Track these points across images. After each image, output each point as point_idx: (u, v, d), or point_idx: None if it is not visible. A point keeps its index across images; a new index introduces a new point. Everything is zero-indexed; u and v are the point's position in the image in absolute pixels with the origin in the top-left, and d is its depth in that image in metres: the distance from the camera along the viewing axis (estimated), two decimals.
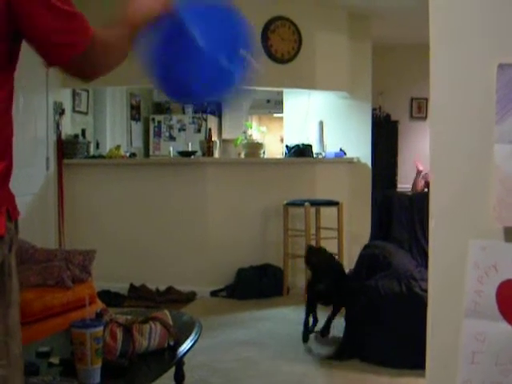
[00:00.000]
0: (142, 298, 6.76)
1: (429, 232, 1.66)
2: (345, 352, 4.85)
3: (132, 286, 6.94)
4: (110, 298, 6.46)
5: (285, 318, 6.04)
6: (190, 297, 6.87)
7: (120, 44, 1.83)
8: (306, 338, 5.21)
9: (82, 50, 1.69)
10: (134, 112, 10.95)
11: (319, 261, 5.21)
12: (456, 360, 1.57)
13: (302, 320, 5.32)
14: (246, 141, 7.91)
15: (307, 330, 5.25)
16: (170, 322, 3.18)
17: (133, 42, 1.88)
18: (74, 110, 8.00)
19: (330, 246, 7.03)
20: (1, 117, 1.71)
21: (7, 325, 1.66)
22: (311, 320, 5.36)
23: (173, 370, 3.45)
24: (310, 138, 8.09)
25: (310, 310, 5.33)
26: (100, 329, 2.63)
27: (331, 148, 8.09)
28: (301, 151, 7.68)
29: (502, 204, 1.52)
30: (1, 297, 1.66)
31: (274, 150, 10.03)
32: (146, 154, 11.30)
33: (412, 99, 10.80)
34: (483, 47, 1.61)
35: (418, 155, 9.54)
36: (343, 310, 5.16)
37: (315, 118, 8.18)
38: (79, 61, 1.72)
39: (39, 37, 1.68)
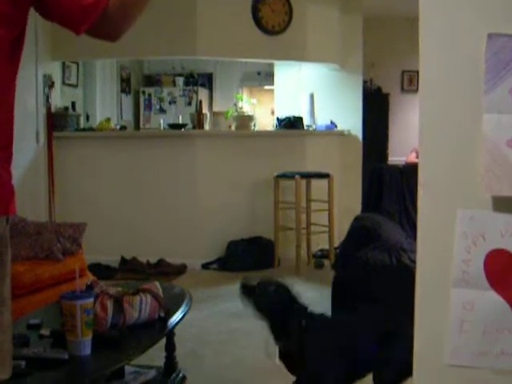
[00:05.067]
0: (132, 270, 6.78)
1: (417, 202, 1.67)
2: None
3: (123, 259, 6.95)
4: (100, 270, 6.47)
5: None
6: (181, 269, 6.89)
7: None
8: None
9: (103, 10, 1.69)
10: (124, 85, 10.91)
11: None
12: (444, 329, 1.58)
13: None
14: (236, 113, 7.90)
15: None
16: (161, 294, 3.19)
17: None
18: (63, 83, 7.97)
19: (321, 219, 7.07)
20: (10, 108, 1.74)
21: (3, 295, 1.71)
22: None
23: (164, 341, 3.47)
24: (300, 110, 8.08)
25: None
26: (90, 300, 2.63)
27: (322, 120, 8.09)
28: (291, 123, 7.67)
29: (489, 174, 1.52)
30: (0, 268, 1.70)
31: (264, 122, 10.01)
32: (137, 126, 11.28)
33: (403, 72, 10.78)
34: (472, 17, 1.60)
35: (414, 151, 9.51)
36: None
37: (306, 91, 8.16)
38: (105, 19, 1.72)
39: (62, 8, 1.69)
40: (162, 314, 3.16)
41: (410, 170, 5.80)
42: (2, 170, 1.67)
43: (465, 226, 1.55)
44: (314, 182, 7.35)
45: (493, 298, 1.54)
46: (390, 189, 5.67)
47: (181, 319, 3.27)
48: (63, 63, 7.92)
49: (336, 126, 8.11)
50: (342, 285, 4.90)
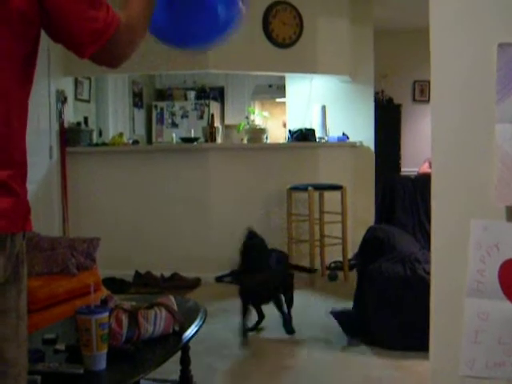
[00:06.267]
0: (147, 284, 6.78)
1: (431, 213, 1.66)
2: (352, 332, 4.87)
3: (137, 273, 6.95)
4: (115, 285, 6.48)
5: None
6: (195, 283, 6.89)
7: (142, 22, 1.84)
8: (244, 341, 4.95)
9: (111, 35, 1.70)
10: (137, 99, 10.95)
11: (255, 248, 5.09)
12: (459, 340, 1.58)
13: (306, 304, 5.35)
14: (248, 126, 7.91)
15: (245, 331, 5.01)
16: (175, 308, 3.19)
17: (151, 14, 1.88)
18: (76, 98, 8.00)
19: (334, 230, 7.06)
20: (25, 124, 1.75)
21: (19, 309, 1.72)
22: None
23: (178, 355, 3.47)
24: (312, 122, 8.08)
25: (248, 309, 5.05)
26: (105, 315, 2.63)
27: (334, 132, 8.09)
28: (303, 136, 7.67)
29: (503, 184, 1.52)
30: (15, 283, 1.72)
31: (276, 134, 10.02)
32: (149, 141, 11.32)
33: (415, 82, 10.79)
34: (483, 27, 1.61)
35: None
36: None
37: (318, 103, 8.17)
38: (110, 47, 1.72)
39: (70, 29, 1.69)
40: (177, 328, 3.15)
41: (423, 181, 5.79)
42: (18, 187, 1.68)
43: (479, 236, 1.55)
44: (327, 194, 7.34)
45: (508, 307, 1.53)
46: (403, 200, 5.66)
47: (195, 333, 3.27)
48: (75, 79, 7.96)
49: (348, 138, 8.10)
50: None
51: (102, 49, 1.71)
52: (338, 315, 4.95)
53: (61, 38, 1.73)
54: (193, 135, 8.30)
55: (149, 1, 1.86)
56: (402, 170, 10.45)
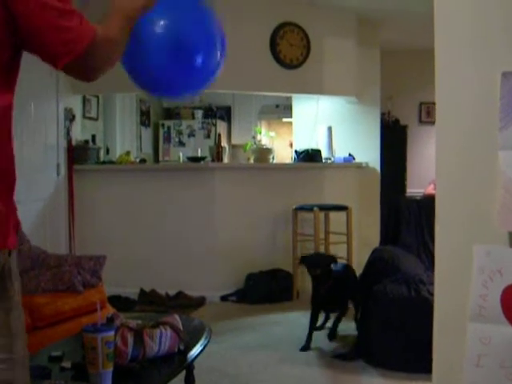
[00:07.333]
0: (152, 302, 6.78)
1: (435, 237, 1.68)
2: (356, 353, 4.87)
3: (142, 291, 6.96)
4: (120, 303, 6.49)
5: (294, 322, 6.05)
6: (200, 302, 6.89)
7: (120, 38, 1.81)
8: (308, 346, 5.20)
9: (85, 47, 1.67)
10: (144, 118, 10.99)
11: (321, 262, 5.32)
12: (461, 363, 1.59)
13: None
14: (255, 146, 7.94)
15: (311, 336, 5.27)
16: (180, 327, 3.20)
17: (130, 34, 1.86)
18: (84, 116, 8.04)
19: (339, 251, 7.07)
20: (7, 138, 1.70)
21: (10, 327, 1.68)
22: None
23: (183, 374, 3.48)
24: (318, 142, 8.11)
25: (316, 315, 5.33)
26: (111, 333, 2.65)
27: (340, 153, 8.11)
28: (310, 156, 7.70)
29: (505, 209, 1.54)
30: (2, 300, 1.68)
31: (283, 154, 10.05)
32: (156, 159, 11.34)
33: (421, 104, 10.80)
34: (487, 55, 1.63)
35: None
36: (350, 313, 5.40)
37: (324, 123, 8.20)
38: (86, 57, 1.68)
39: (41, 39, 1.66)
40: (182, 347, 3.17)
41: (428, 202, 5.79)
42: (1, 204, 1.63)
43: (481, 261, 1.56)
44: (333, 215, 7.36)
45: (510, 332, 1.55)
46: (407, 221, 5.66)
47: (200, 352, 3.28)
48: (83, 97, 8.01)
49: (354, 159, 8.13)
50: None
51: (77, 60, 1.67)
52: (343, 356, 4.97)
53: (34, 49, 1.69)
54: (199, 154, 8.33)
55: (128, 20, 1.85)
56: (408, 191, 10.44)
